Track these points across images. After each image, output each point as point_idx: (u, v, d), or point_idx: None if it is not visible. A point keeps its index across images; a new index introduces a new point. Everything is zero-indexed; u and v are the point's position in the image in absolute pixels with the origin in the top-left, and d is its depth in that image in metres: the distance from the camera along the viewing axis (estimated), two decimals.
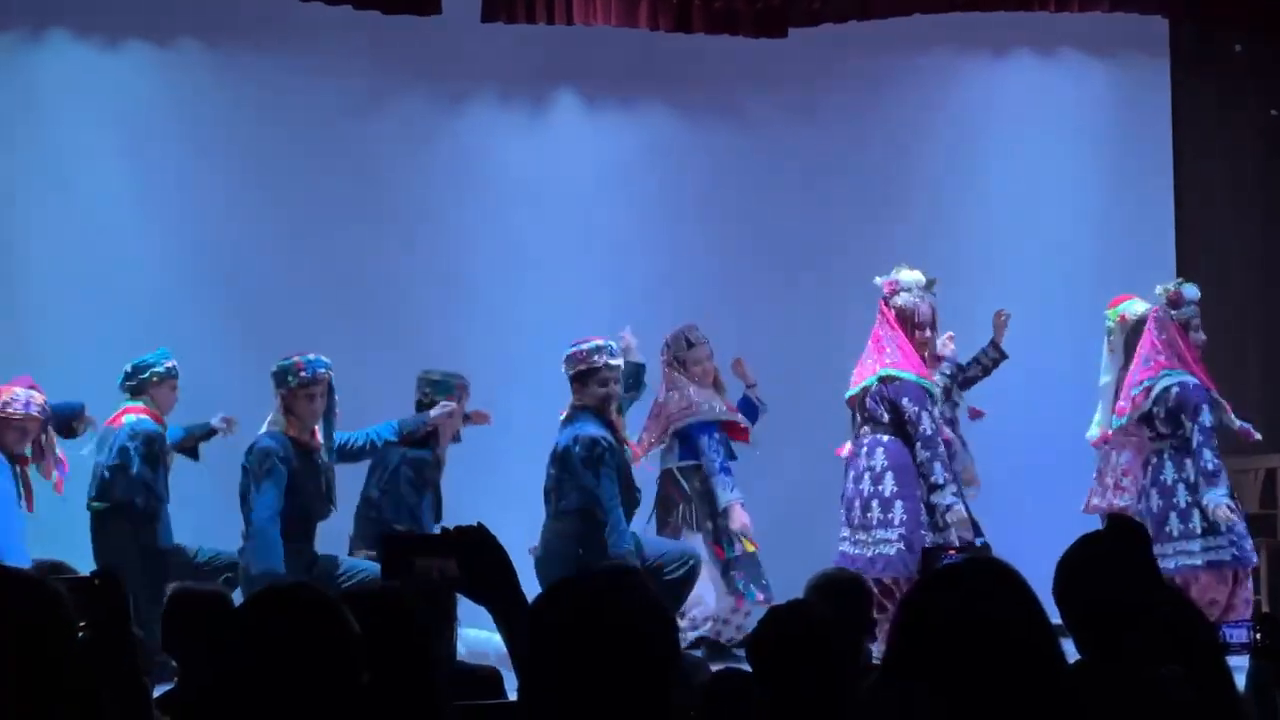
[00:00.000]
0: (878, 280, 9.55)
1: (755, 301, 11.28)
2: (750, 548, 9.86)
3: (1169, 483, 9.40)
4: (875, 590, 8.67)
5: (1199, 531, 9.31)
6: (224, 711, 2.83)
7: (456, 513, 9.25)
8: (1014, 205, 11.97)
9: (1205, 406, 9.35)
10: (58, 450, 9.18)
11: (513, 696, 5.34)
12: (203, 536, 9.39)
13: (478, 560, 3.15)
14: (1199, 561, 9.30)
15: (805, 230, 11.61)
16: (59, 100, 10.68)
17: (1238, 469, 11.45)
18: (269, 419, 9.10)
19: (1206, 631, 3.71)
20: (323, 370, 9.13)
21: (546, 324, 10.51)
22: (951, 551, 9.09)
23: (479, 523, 3.20)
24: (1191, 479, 9.35)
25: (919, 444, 9.23)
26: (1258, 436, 9.78)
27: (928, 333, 9.43)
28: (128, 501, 9.17)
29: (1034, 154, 12.07)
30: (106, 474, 9.20)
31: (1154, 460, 9.49)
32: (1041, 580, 3.09)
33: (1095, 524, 9.65)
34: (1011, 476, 10.93)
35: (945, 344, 9.79)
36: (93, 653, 3.11)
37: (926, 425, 9.23)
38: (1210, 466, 9.27)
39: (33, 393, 9.05)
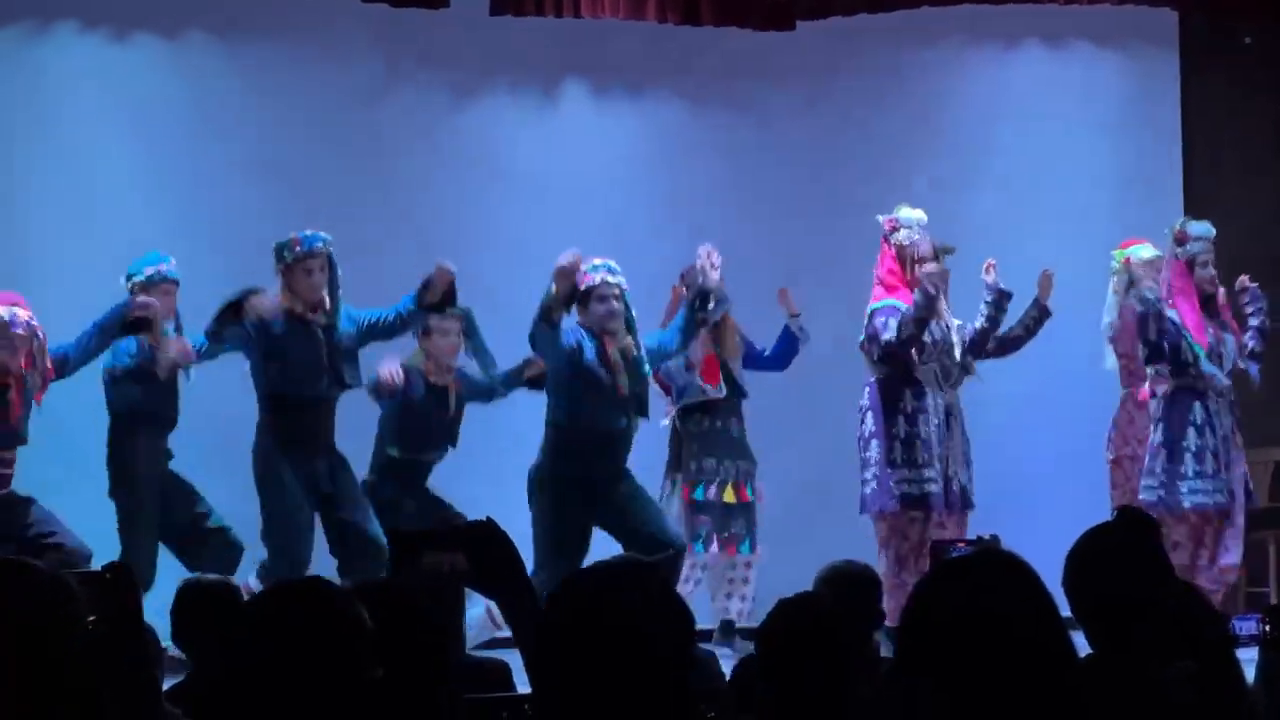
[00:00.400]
0: (880, 218, 9.59)
1: (763, 293, 11.26)
2: (729, 499, 9.92)
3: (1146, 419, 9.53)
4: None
5: (1157, 470, 9.41)
6: (235, 705, 2.83)
7: (464, 500, 9.28)
8: (1024, 197, 11.96)
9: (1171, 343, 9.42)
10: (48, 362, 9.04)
11: (521, 689, 5.35)
12: None
13: (487, 554, 3.15)
14: (1152, 498, 9.40)
15: (814, 222, 11.60)
16: (67, 93, 10.69)
17: (1249, 461, 11.45)
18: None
19: (1216, 624, 3.71)
20: (320, 245, 9.09)
21: None
22: (960, 544, 9.09)
23: (488, 517, 3.20)
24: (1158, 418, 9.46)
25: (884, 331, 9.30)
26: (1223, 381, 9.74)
27: (928, 267, 9.42)
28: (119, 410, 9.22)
29: (1044, 146, 12.06)
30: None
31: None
32: (1051, 573, 3.08)
33: (1104, 516, 9.67)
34: (1022, 466, 10.93)
35: (986, 271, 9.76)
36: (102, 646, 3.11)
37: (885, 328, 9.28)
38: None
39: (15, 309, 8.91)
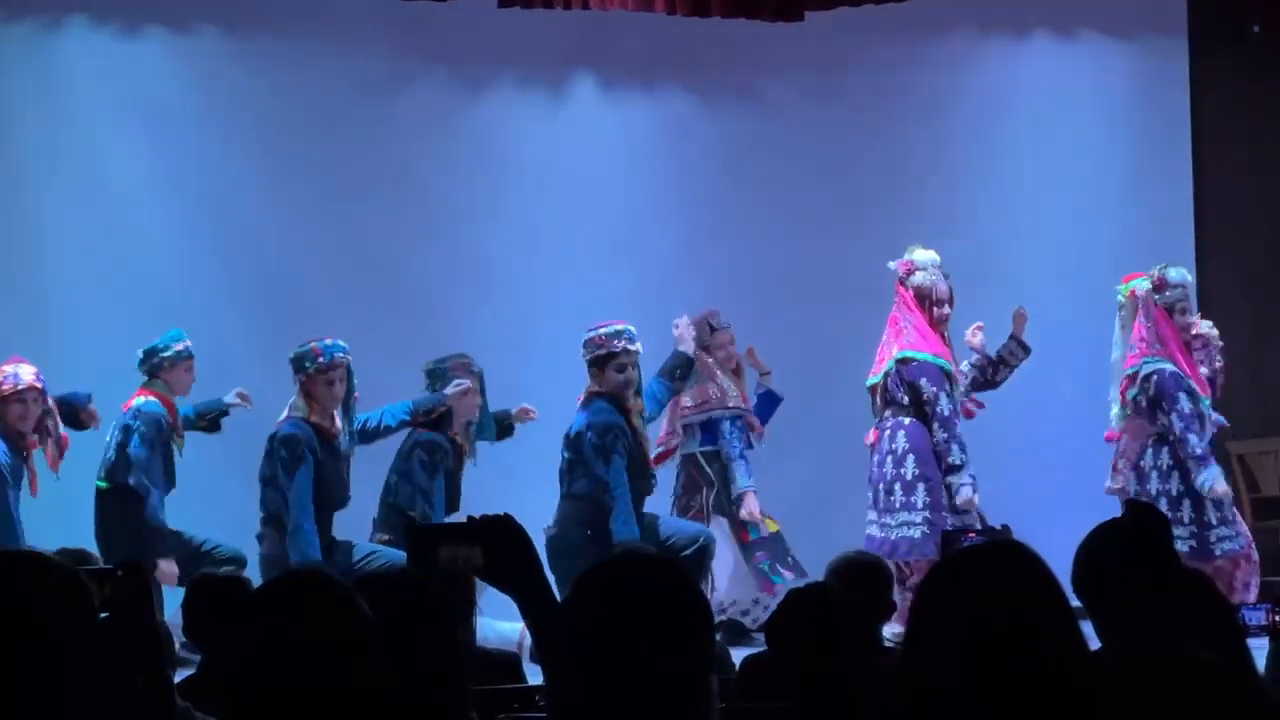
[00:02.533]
0: (892, 265, 9.54)
1: (773, 286, 11.27)
2: (773, 528, 9.90)
3: (1163, 468, 9.38)
4: (896, 573, 8.74)
5: (1185, 520, 9.30)
6: (240, 696, 2.84)
7: (474, 493, 9.30)
8: (1033, 187, 11.95)
9: (1181, 394, 9.30)
10: (61, 429, 9.14)
11: (531, 680, 5.37)
12: (223, 527, 9.41)
13: (503, 549, 3.16)
14: (1184, 549, 9.27)
15: (823, 214, 11.60)
16: (78, 87, 10.70)
17: (1257, 451, 11.47)
18: (290, 405, 9.11)
19: (1226, 615, 3.71)
20: (340, 355, 9.10)
21: (563, 307, 10.52)
22: (971, 534, 9.07)
23: (505, 513, 3.21)
24: (1173, 466, 9.34)
25: (936, 425, 9.22)
26: (1224, 423, 9.72)
27: (946, 309, 9.40)
28: (124, 481, 9.21)
29: (1054, 136, 12.05)
30: (111, 454, 9.24)
31: (1150, 445, 9.47)
32: (1062, 563, 3.09)
33: (1115, 505, 9.67)
34: (1031, 458, 10.93)
35: (973, 334, 9.76)
36: (115, 642, 3.12)
37: (944, 406, 9.22)
38: (1198, 451, 9.23)
39: (20, 366, 8.97)
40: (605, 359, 9.22)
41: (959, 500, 9.15)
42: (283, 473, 8.94)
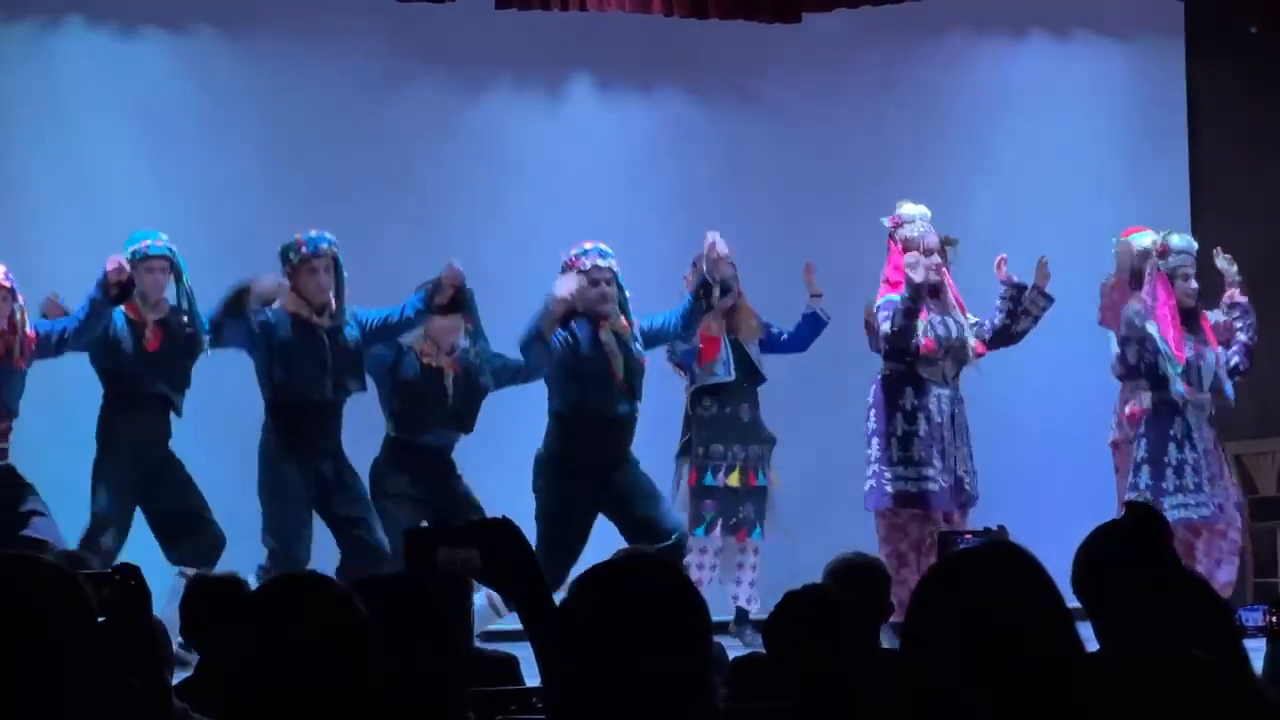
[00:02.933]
0: (883, 221, 9.59)
1: (771, 285, 11.26)
2: (734, 483, 9.90)
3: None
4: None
5: (1140, 485, 9.41)
6: (240, 699, 2.84)
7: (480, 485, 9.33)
8: (1030, 187, 11.97)
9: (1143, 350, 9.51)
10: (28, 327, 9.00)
11: (530, 682, 5.37)
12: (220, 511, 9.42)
13: (501, 552, 3.16)
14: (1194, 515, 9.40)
15: (822, 213, 11.61)
16: (76, 87, 10.72)
17: (1254, 451, 11.46)
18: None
19: (1224, 616, 3.72)
20: (325, 244, 9.06)
21: None
22: (968, 536, 9.09)
23: (504, 515, 3.22)
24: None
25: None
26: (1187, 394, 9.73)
27: (935, 259, 9.41)
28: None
29: (1050, 136, 12.07)
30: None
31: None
32: (1058, 565, 3.09)
33: (1111, 509, 9.69)
34: (1028, 460, 10.93)
35: (999, 267, 9.78)
36: (113, 644, 3.12)
37: (883, 325, 9.35)
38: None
39: None
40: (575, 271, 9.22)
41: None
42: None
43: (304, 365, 9.00)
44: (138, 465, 9.16)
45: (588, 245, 9.27)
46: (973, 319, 9.59)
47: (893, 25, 11.70)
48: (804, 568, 9.33)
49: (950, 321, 9.45)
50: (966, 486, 9.37)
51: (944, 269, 9.53)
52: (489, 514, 9.12)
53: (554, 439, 9.20)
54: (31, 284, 10.50)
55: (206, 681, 4.98)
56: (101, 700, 2.76)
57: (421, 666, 3.26)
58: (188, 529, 9.14)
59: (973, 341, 9.45)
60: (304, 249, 9.06)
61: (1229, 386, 9.69)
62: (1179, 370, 9.50)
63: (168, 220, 10.60)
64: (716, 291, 9.46)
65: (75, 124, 10.65)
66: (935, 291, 9.49)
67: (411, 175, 11.14)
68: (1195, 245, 9.74)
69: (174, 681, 4.39)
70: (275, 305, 9.06)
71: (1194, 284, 9.62)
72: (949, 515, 9.32)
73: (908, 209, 9.51)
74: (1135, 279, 10.10)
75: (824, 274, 11.38)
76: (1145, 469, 9.53)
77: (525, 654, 3.65)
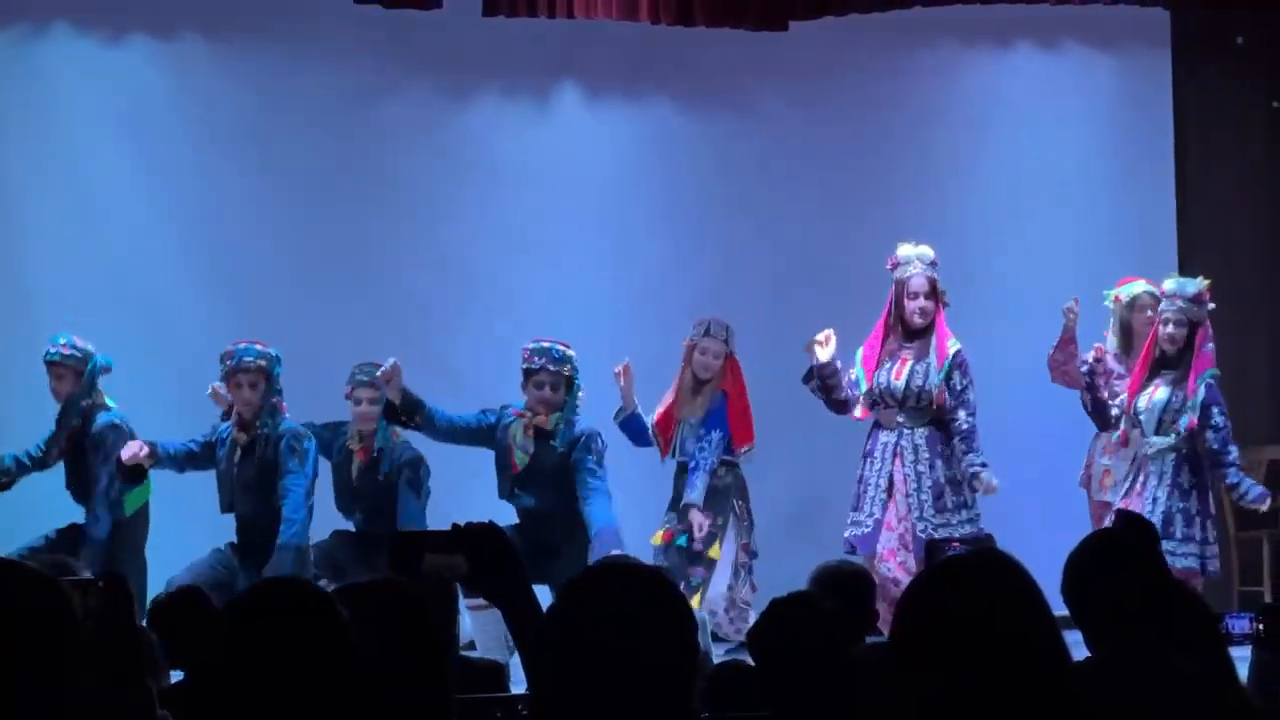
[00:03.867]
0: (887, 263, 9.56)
1: (758, 294, 11.27)
2: (714, 555, 9.82)
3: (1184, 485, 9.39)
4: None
5: (1192, 537, 9.32)
6: (222, 708, 2.83)
7: (454, 496, 9.30)
8: (1017, 197, 11.97)
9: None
10: None
11: (515, 689, 5.36)
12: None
13: (487, 557, 3.15)
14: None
15: (808, 223, 11.61)
16: (63, 94, 10.70)
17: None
18: None
19: (1210, 624, 3.72)
20: (249, 359, 9.05)
21: (549, 316, 10.50)
22: (955, 544, 9.09)
23: (490, 520, 3.21)
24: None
25: None
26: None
27: (920, 301, 9.28)
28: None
29: (1037, 146, 12.07)
30: None
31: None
32: (1045, 574, 3.09)
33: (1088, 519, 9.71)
34: (1015, 470, 10.91)
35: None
36: (97, 652, 3.11)
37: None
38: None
39: None
40: (526, 374, 9.22)
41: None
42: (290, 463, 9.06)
43: (225, 482, 9.18)
44: None
45: (545, 343, 9.23)
46: (923, 364, 9.39)
47: (880, 34, 11.70)
48: (791, 577, 9.36)
49: (918, 369, 9.29)
50: (919, 533, 9.18)
51: (938, 308, 9.37)
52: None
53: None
54: (17, 290, 10.51)
55: (191, 690, 4.96)
56: (85, 708, 2.75)
57: (406, 673, 3.25)
58: None
59: (936, 391, 9.23)
60: (229, 361, 9.12)
61: (1184, 421, 9.54)
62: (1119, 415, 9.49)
63: (153, 226, 10.63)
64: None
65: (61, 130, 10.63)
66: (915, 335, 9.31)
67: (399, 182, 11.13)
68: (1190, 288, 9.60)
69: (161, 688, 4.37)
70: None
71: (1173, 329, 9.49)
72: (886, 559, 9.16)
73: (904, 250, 9.37)
74: (1125, 332, 10.05)
75: (810, 283, 11.40)
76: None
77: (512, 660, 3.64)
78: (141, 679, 3.38)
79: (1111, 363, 9.95)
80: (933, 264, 9.31)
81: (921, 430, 9.24)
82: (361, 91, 11.12)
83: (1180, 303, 9.42)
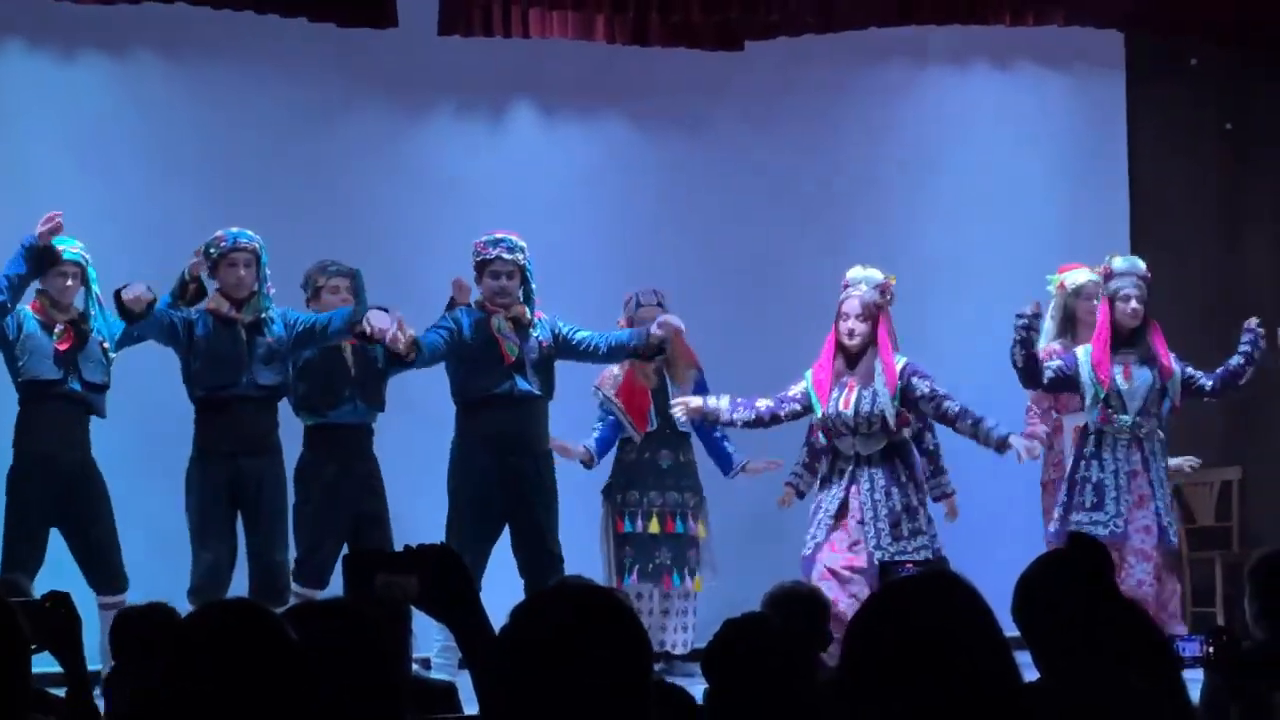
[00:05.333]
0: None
1: (712, 313, 11.27)
2: (654, 529, 9.93)
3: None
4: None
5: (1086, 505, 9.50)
6: None
7: (411, 504, 9.32)
8: (971, 217, 12.02)
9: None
10: None
11: (469, 711, 5.34)
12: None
13: (440, 579, 3.15)
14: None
15: (763, 242, 11.63)
16: (16, 111, 10.65)
17: (1191, 482, 11.48)
18: None
19: (1162, 647, 3.72)
20: (245, 240, 9.23)
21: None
22: (909, 565, 9.09)
23: (443, 542, 3.21)
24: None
25: None
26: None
27: (850, 323, 9.22)
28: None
29: (992, 166, 12.12)
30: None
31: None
32: (996, 595, 3.09)
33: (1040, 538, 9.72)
34: (968, 487, 10.93)
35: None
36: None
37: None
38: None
39: None
40: (481, 265, 9.48)
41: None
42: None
43: (222, 360, 9.11)
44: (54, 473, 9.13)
45: (498, 234, 9.48)
46: (869, 391, 9.34)
47: (835, 54, 11.74)
48: (742, 599, 9.36)
49: (865, 395, 9.26)
50: (875, 560, 9.16)
51: (882, 324, 9.28)
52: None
53: (459, 428, 9.43)
54: None
55: (136, 712, 4.93)
56: None
57: (357, 694, 3.24)
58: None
59: (891, 415, 9.21)
60: (223, 244, 9.22)
61: (1167, 404, 9.64)
62: (1100, 393, 9.53)
63: (106, 242, 10.56)
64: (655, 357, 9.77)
65: (13, 147, 10.58)
66: (856, 359, 9.27)
67: (353, 201, 11.11)
68: (1141, 266, 9.74)
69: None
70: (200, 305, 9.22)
71: (1135, 304, 9.60)
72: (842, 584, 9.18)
73: (853, 273, 9.35)
74: (1068, 320, 10.14)
75: (765, 302, 11.42)
76: (1062, 488, 9.65)
77: (465, 681, 3.63)
78: (86, 700, 3.37)
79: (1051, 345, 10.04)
80: (880, 289, 9.27)
81: (878, 457, 9.23)
82: (316, 109, 11.10)
83: (1136, 279, 9.56)
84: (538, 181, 11.44)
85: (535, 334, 9.48)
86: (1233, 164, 12.49)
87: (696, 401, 9.58)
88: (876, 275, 9.31)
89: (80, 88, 10.80)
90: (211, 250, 9.21)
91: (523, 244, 9.47)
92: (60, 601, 3.35)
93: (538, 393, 9.43)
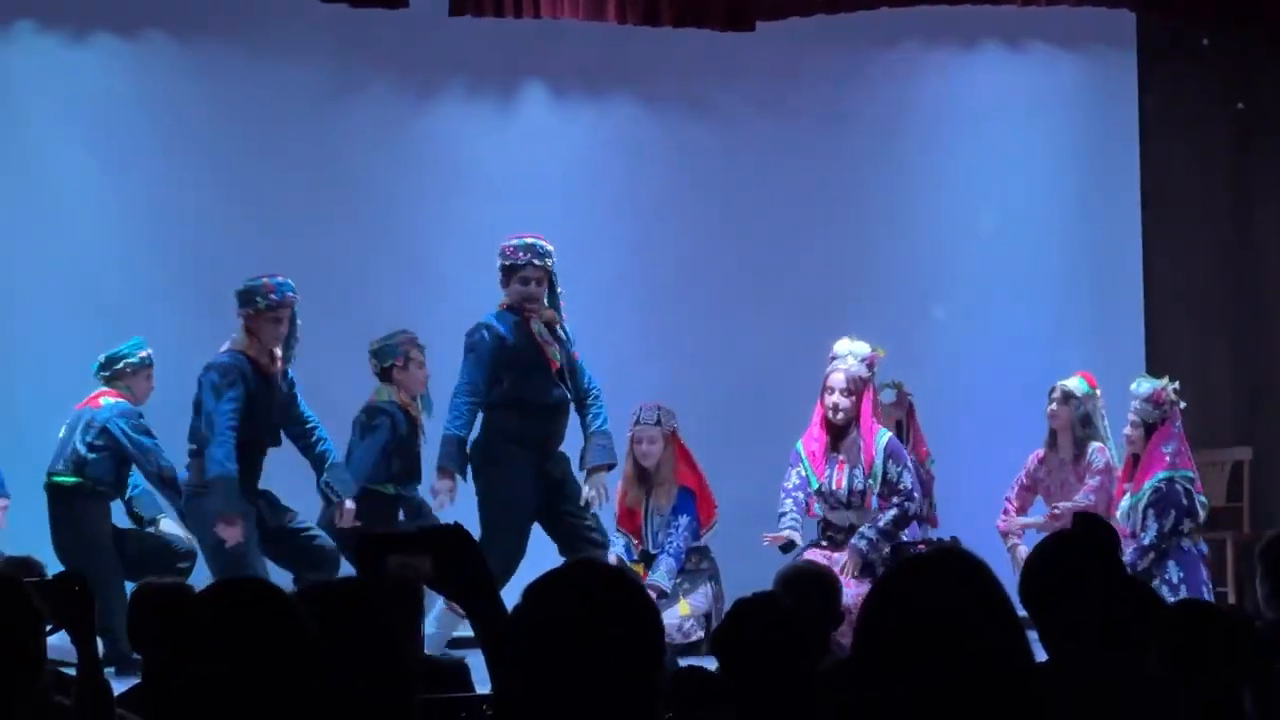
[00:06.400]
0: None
1: (722, 295, 11.28)
2: (684, 611, 9.91)
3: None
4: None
5: None
6: (180, 708, 2.82)
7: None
8: (982, 198, 12.00)
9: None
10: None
11: (480, 690, 5.35)
12: None
13: (453, 559, 3.15)
14: None
15: (772, 222, 11.62)
16: (26, 92, 10.66)
17: (1205, 461, 11.48)
18: (231, 340, 9.03)
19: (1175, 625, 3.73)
20: (290, 294, 9.06)
21: None
22: (920, 545, 9.08)
23: (456, 522, 3.20)
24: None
25: None
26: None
27: (834, 397, 8.93)
28: (98, 480, 9.23)
29: (1002, 146, 12.10)
30: (81, 450, 9.22)
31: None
32: (1008, 574, 3.10)
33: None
34: (979, 469, 10.94)
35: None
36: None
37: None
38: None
39: None
40: (509, 270, 9.23)
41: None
42: (210, 396, 8.80)
43: (264, 413, 9.03)
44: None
45: (528, 239, 9.23)
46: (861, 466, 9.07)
47: (846, 35, 11.71)
48: (756, 579, 9.38)
49: (856, 474, 8.98)
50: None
51: (865, 403, 9.02)
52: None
53: (490, 430, 9.21)
54: None
55: (151, 690, 4.95)
56: (48, 710, 2.75)
57: (368, 675, 3.25)
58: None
59: (873, 495, 8.95)
60: (272, 296, 9.01)
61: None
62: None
63: (114, 226, 10.59)
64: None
65: (22, 128, 10.60)
66: (842, 434, 9.04)
67: (363, 182, 11.12)
68: (1144, 388, 9.61)
69: (121, 689, 4.36)
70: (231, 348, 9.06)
71: (1128, 430, 9.56)
72: None
73: (841, 346, 9.09)
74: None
75: (774, 283, 11.41)
76: None
77: (477, 660, 3.64)
78: (99, 679, 3.37)
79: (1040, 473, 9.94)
80: (867, 363, 9.06)
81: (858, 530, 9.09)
82: (327, 90, 11.10)
83: (1135, 404, 9.47)
84: (548, 162, 11.44)
85: (564, 339, 9.35)
86: (1244, 144, 12.46)
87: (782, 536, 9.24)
88: (864, 348, 9.07)
89: (90, 69, 10.81)
90: (258, 299, 8.98)
91: (550, 248, 9.25)
92: (74, 581, 3.35)
93: (570, 398, 9.33)
